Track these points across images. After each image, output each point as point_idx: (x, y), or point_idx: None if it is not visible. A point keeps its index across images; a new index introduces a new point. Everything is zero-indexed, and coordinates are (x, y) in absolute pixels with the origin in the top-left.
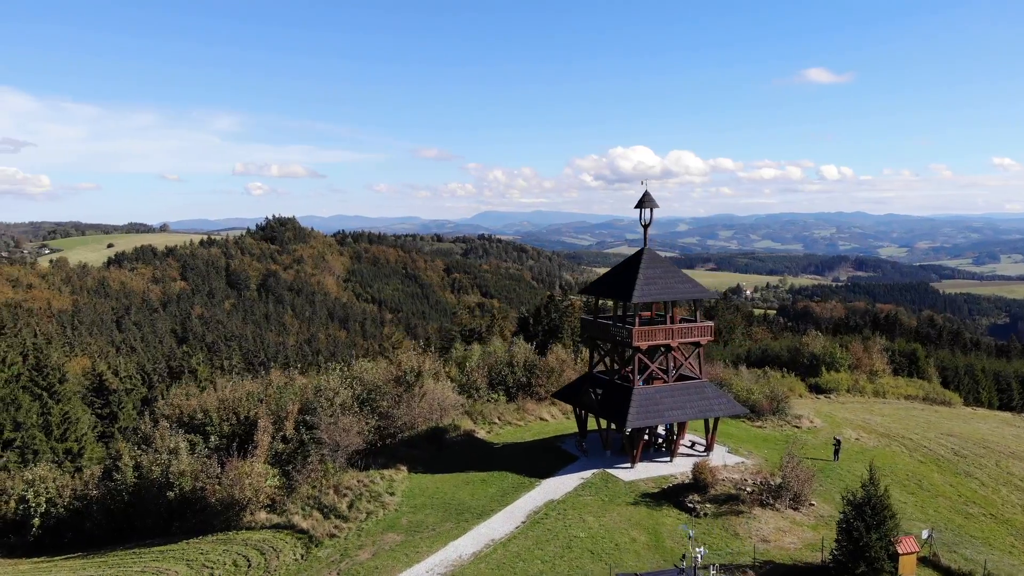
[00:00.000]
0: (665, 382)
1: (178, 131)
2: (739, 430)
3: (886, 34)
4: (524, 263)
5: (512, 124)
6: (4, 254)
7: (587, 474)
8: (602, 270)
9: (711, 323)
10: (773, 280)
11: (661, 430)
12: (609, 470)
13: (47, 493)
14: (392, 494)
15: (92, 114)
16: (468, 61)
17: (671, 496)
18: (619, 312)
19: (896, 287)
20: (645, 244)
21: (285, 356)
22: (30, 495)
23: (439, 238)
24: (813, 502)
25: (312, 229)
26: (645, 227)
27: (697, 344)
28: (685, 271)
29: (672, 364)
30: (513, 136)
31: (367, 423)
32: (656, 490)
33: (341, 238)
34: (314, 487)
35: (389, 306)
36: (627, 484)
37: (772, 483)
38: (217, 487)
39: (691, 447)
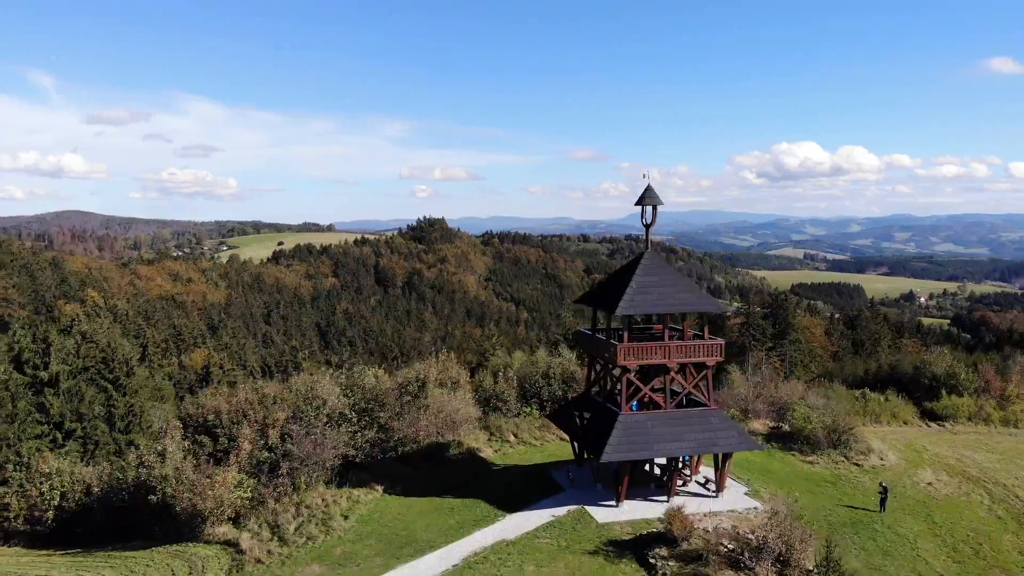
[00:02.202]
0: (664, 408)
1: (352, 137)
2: (782, 465)
3: None
4: (673, 264)
5: (668, 122)
6: (187, 250)
7: (561, 511)
8: (761, 273)
9: (720, 341)
10: (952, 287)
11: (660, 462)
12: (589, 507)
13: (61, 487)
14: (346, 518)
15: (276, 121)
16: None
17: (638, 547)
18: (613, 325)
19: None
20: (647, 246)
21: (419, 351)
22: (45, 488)
23: (585, 238)
24: (809, 567)
25: (458, 230)
26: (647, 227)
27: (703, 365)
28: (855, 275)
29: (671, 388)
30: (668, 134)
31: (362, 435)
32: (628, 537)
33: (486, 238)
34: (279, 502)
35: (527, 306)
36: (599, 527)
37: (755, 541)
38: (186, 495)
39: (704, 484)
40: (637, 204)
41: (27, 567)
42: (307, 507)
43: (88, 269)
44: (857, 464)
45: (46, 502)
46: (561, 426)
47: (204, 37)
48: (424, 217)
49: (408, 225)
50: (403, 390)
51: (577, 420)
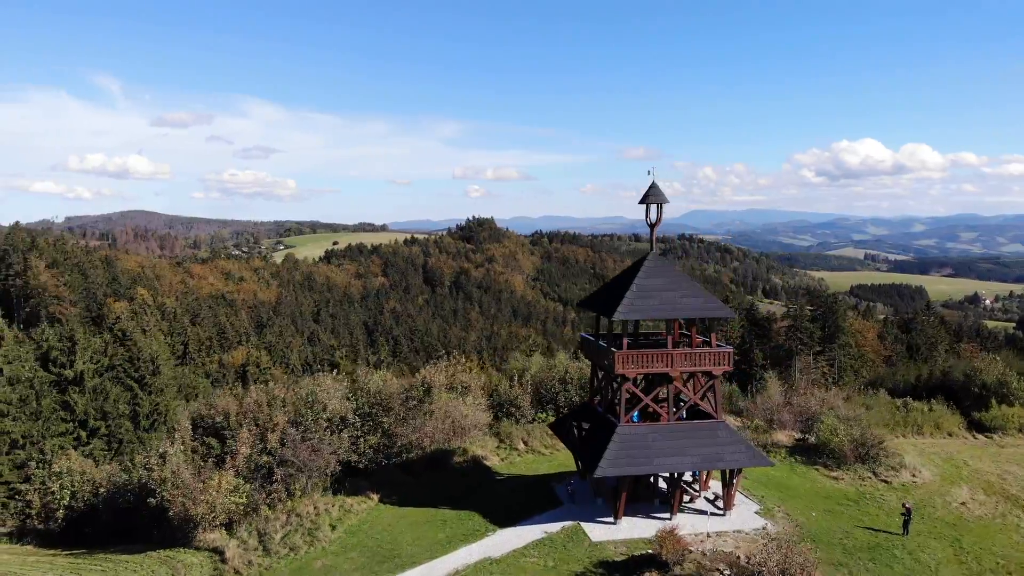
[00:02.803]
0: (666, 421)
1: (407, 139)
2: (803, 481)
3: None
4: (727, 265)
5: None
6: (245, 249)
7: (555, 527)
8: (820, 274)
9: (728, 349)
10: (1019, 288)
11: (661, 482)
12: (586, 524)
13: (72, 486)
14: (334, 528)
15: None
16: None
17: (630, 570)
18: (617, 331)
19: None
20: (652, 247)
21: (463, 350)
22: (55, 487)
23: (637, 238)
24: None
25: (507, 229)
26: (651, 227)
27: (710, 375)
28: (917, 276)
29: (674, 398)
30: (724, 131)
31: (365, 440)
32: (621, 558)
33: (535, 238)
34: (272, 509)
35: (575, 306)
36: (592, 546)
37: (751, 567)
38: (179, 499)
39: (713, 501)
40: (641, 202)
41: (29, 567)
42: (297, 515)
43: (141, 268)
44: (885, 481)
45: (56, 501)
46: (561, 437)
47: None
48: (473, 217)
49: (457, 225)
50: (408, 394)
51: (575, 431)
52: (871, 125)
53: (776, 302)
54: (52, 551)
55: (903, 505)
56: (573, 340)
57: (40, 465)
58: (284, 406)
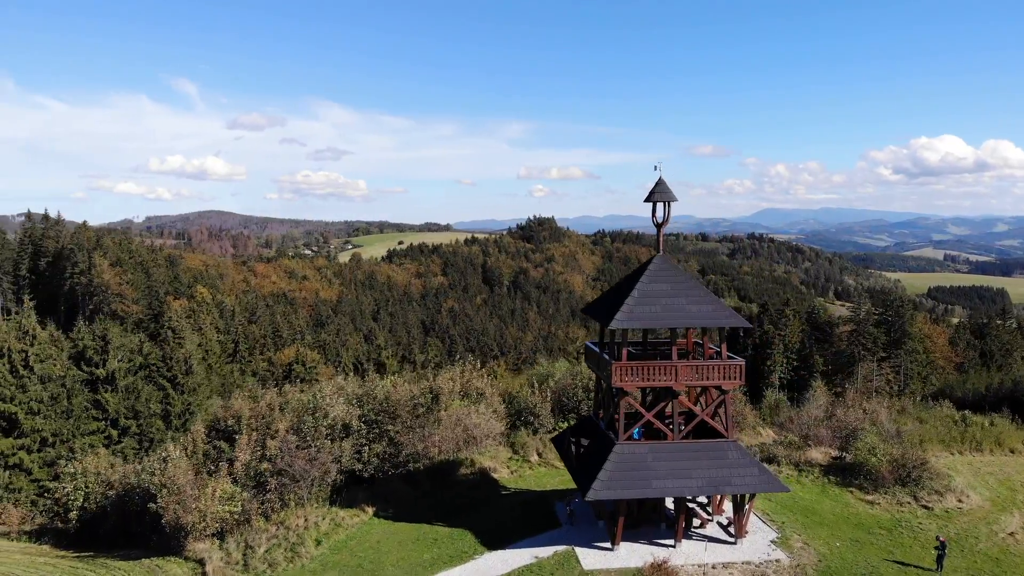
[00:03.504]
0: (671, 439)
1: (474, 139)
2: (834, 504)
3: None
4: (799, 265)
5: (795, 116)
6: (314, 248)
7: (547, 551)
8: (896, 275)
9: (740, 362)
10: None
11: (669, 502)
12: (581, 549)
13: (85, 487)
14: (319, 543)
15: (403, 125)
16: (747, 62)
17: None
18: (618, 339)
19: None
20: (659, 248)
21: (518, 351)
22: (70, 487)
23: (704, 237)
24: None
25: (567, 228)
26: (658, 227)
27: (720, 390)
28: (1000, 278)
29: (680, 415)
30: (796, 128)
31: (370, 449)
32: None
33: (596, 237)
34: (267, 520)
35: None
36: (583, 575)
37: None
38: (172, 506)
39: (726, 527)
40: (647, 200)
41: (32, 568)
42: (286, 528)
43: (205, 266)
44: (926, 506)
45: (70, 502)
46: (561, 452)
47: (339, 51)
48: (533, 216)
49: (518, 224)
50: (416, 401)
51: (573, 447)
52: (951, 121)
53: (847, 304)
54: (63, 552)
55: (937, 539)
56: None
57: (68, 463)
58: (283, 411)
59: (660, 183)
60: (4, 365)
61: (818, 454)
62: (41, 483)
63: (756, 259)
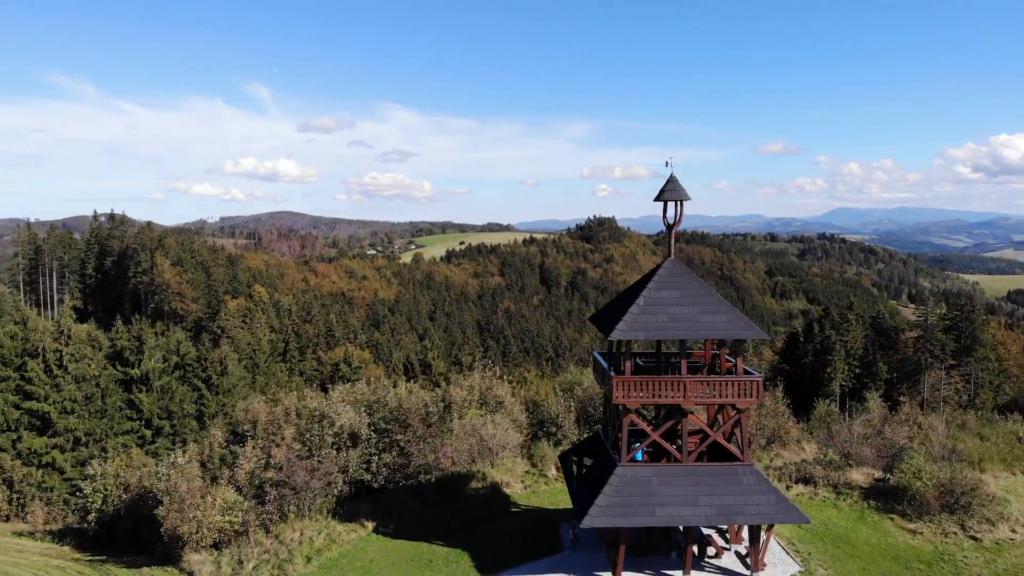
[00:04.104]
0: (679, 461)
1: (537, 140)
2: (871, 533)
3: None
4: (871, 266)
5: (868, 113)
6: (379, 248)
7: None
8: (975, 277)
9: (757, 378)
10: None
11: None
12: None
13: (104, 489)
14: (309, 560)
15: (467, 127)
16: (816, 60)
17: None
18: (624, 350)
19: None
20: (670, 252)
21: (573, 353)
22: (88, 490)
23: (773, 237)
24: None
25: (628, 228)
26: (670, 228)
27: (735, 409)
28: None
29: (689, 434)
30: (870, 125)
31: (380, 458)
32: None
33: (658, 237)
34: (267, 532)
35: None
36: None
37: None
38: (173, 513)
39: (744, 557)
40: (657, 199)
41: (44, 570)
42: (280, 542)
43: (266, 266)
44: (974, 537)
45: (89, 504)
46: (565, 471)
47: (406, 56)
48: (593, 216)
49: (577, 224)
50: (427, 410)
51: (573, 467)
52: None
53: (921, 307)
54: (79, 555)
55: None
56: None
57: (89, 465)
58: (288, 418)
59: (672, 180)
60: (39, 364)
61: (859, 475)
62: (73, 482)
63: (827, 260)
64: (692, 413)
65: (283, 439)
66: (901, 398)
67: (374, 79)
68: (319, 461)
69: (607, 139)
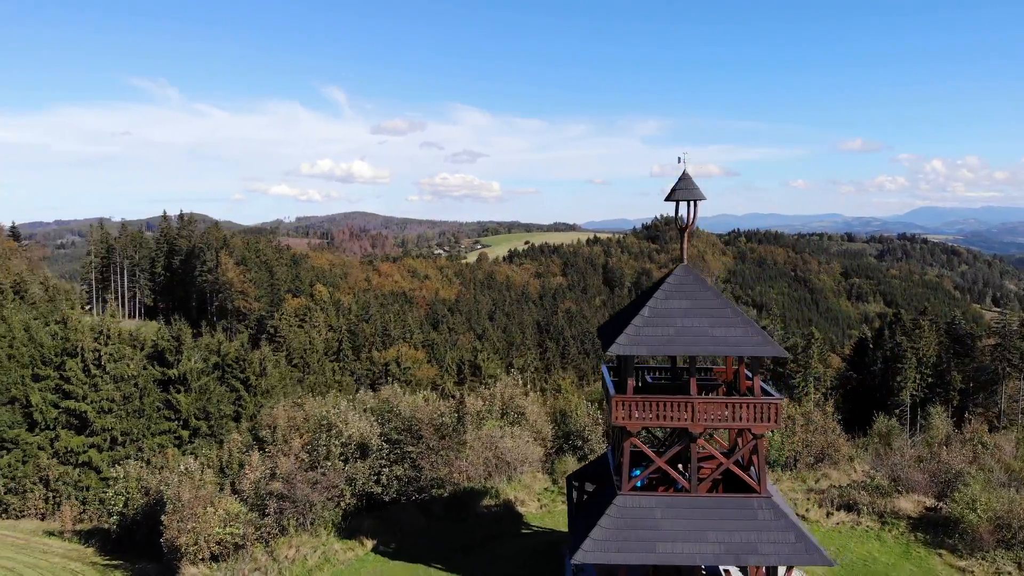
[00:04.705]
0: (687, 492)
1: (606, 139)
2: (916, 570)
3: None
4: (954, 268)
5: (952, 110)
6: (446, 248)
7: None
8: None
9: (777, 400)
10: None
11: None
12: None
13: (125, 492)
14: None
15: (536, 127)
16: (896, 50)
17: None
18: (629, 365)
19: None
20: (683, 257)
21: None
22: (109, 493)
23: (850, 237)
24: None
25: (697, 228)
26: (682, 231)
27: (752, 434)
28: None
29: (699, 460)
30: (953, 122)
31: (391, 471)
32: None
33: (729, 237)
34: (267, 546)
35: (770, 311)
36: None
37: None
38: (175, 524)
39: None
40: (668, 199)
41: (58, 571)
42: (274, 559)
43: (331, 265)
44: None
45: (110, 506)
46: (568, 495)
47: (477, 58)
48: (660, 215)
49: (642, 224)
50: (441, 421)
51: (574, 493)
52: None
53: (1001, 312)
54: (99, 558)
55: None
56: None
57: (123, 465)
58: (302, 425)
59: (684, 178)
60: (78, 364)
61: (908, 503)
62: (109, 481)
63: (906, 261)
64: (700, 437)
65: (290, 448)
66: (972, 412)
67: (445, 81)
68: (322, 473)
69: (678, 136)
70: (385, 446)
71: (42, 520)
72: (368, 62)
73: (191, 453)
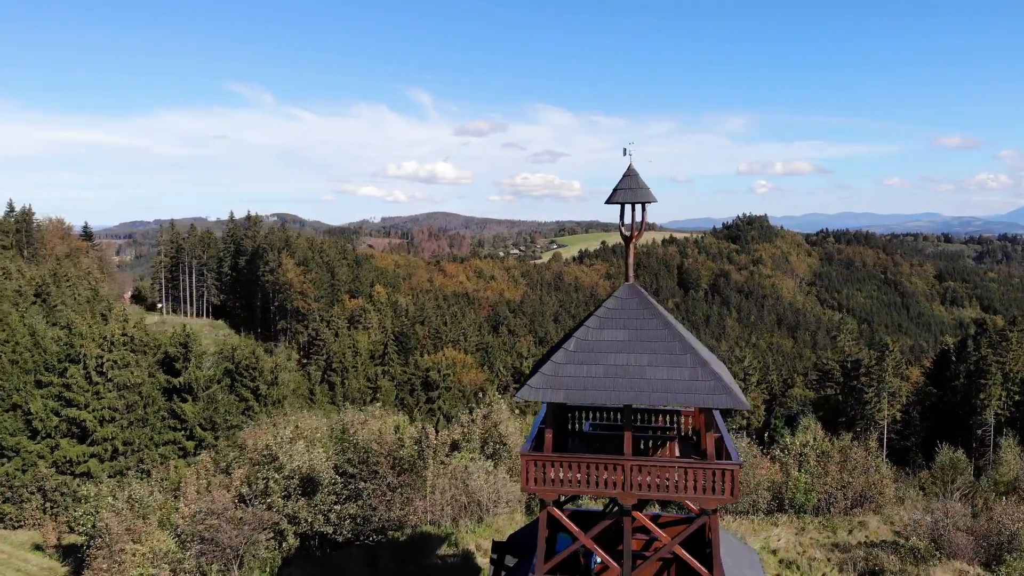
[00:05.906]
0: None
1: (690, 136)
2: None
3: None
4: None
5: None
6: (522, 247)
7: None
8: None
9: (733, 466)
10: None
11: None
12: None
13: (95, 513)
14: None
15: (619, 125)
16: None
17: None
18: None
19: None
20: (627, 275)
21: None
22: (80, 511)
23: (947, 238)
24: None
25: (780, 228)
26: (627, 240)
27: (702, 510)
28: None
29: (630, 539)
30: None
31: (343, 508)
32: None
33: (815, 238)
34: None
35: (858, 315)
36: None
37: None
38: (100, 560)
39: None
40: (609, 201)
41: None
42: None
43: (395, 266)
44: None
45: (79, 527)
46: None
47: (558, 56)
48: (742, 214)
49: (723, 223)
50: (396, 456)
51: (498, 563)
52: None
53: None
54: None
55: None
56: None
57: (140, 475)
58: (239, 459)
59: (629, 176)
60: (80, 371)
61: (948, 573)
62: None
63: (1007, 264)
64: (636, 510)
65: (231, 481)
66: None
67: (526, 81)
68: (252, 513)
69: (765, 133)
70: (339, 479)
71: (38, 531)
72: (452, 64)
73: (195, 464)
